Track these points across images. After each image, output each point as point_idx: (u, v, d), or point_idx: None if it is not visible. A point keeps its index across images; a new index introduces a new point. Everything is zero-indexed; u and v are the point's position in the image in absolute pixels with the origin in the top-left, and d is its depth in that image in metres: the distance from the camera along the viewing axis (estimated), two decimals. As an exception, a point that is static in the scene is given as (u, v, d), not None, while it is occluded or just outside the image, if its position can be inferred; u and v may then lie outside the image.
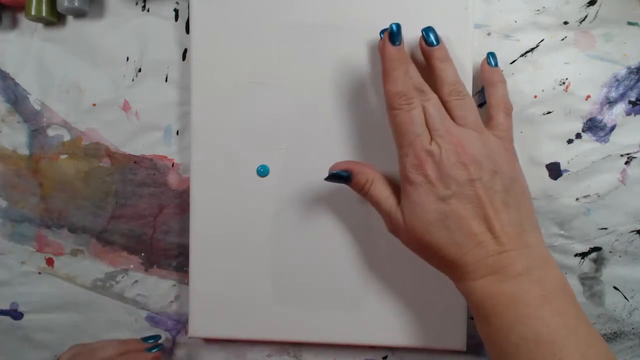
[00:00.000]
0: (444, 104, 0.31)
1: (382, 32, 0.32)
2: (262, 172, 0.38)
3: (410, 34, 0.36)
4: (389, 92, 0.31)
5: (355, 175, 0.33)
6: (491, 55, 0.35)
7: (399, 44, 0.31)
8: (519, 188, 0.31)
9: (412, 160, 0.30)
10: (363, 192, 0.33)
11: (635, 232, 0.37)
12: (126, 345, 0.38)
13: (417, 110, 0.31)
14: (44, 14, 0.39)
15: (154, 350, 0.39)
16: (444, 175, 0.29)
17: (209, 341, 0.41)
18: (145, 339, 0.40)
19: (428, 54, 0.33)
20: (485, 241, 0.29)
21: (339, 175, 0.33)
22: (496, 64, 0.35)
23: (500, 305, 0.28)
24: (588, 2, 0.37)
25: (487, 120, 0.33)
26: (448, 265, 0.30)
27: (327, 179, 0.33)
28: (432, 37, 0.32)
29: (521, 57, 0.38)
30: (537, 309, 0.27)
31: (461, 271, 0.30)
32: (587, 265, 0.38)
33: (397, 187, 0.32)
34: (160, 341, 0.40)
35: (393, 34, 0.31)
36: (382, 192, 0.32)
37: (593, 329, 0.28)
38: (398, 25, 0.31)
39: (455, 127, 0.30)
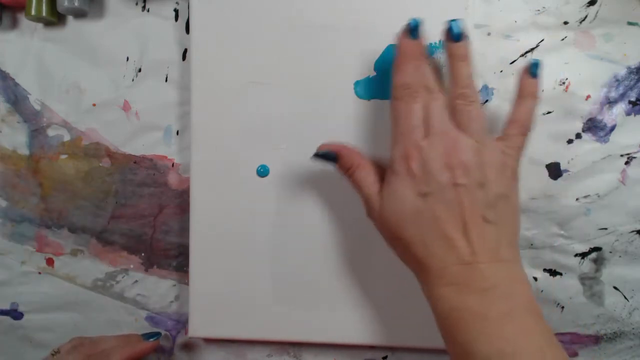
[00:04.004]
0: (452, 105, 0.31)
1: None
2: (262, 172, 0.38)
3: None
4: (395, 82, 0.31)
5: (341, 158, 0.33)
6: (535, 64, 0.32)
7: (416, 39, 0.31)
8: (505, 207, 0.29)
9: (400, 150, 0.30)
10: (347, 174, 0.33)
11: (635, 232, 0.38)
12: (131, 347, 0.39)
13: (419, 106, 0.30)
14: (44, 14, 0.39)
15: (151, 340, 0.39)
16: (427, 172, 0.29)
17: (209, 341, 0.41)
18: (147, 336, 0.40)
19: (448, 48, 0.31)
20: (459, 247, 0.28)
21: (325, 155, 0.33)
22: (536, 75, 0.32)
23: (464, 319, 0.27)
24: (588, 2, 0.37)
25: (502, 132, 0.32)
26: (415, 263, 0.30)
27: (314, 157, 0.33)
28: (456, 31, 0.30)
29: (521, 57, 0.38)
30: (501, 327, 0.27)
31: (427, 273, 0.29)
32: (587, 265, 0.38)
33: (383, 175, 0.32)
34: (159, 337, 0.40)
35: (411, 28, 0.31)
36: (366, 177, 0.32)
37: (560, 349, 0.27)
38: (418, 21, 0.31)
39: (454, 130, 0.30)
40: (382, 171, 0.32)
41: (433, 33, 0.36)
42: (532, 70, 0.32)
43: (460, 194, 0.28)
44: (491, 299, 0.27)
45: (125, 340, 0.38)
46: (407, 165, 0.29)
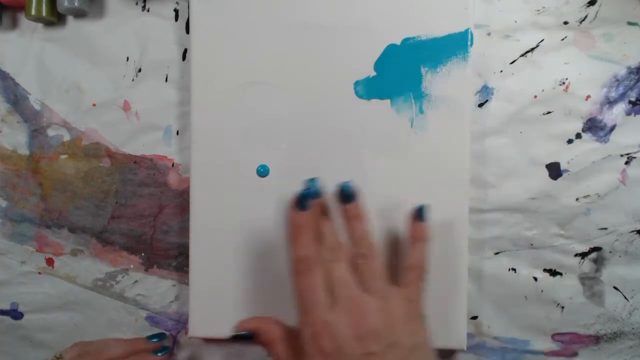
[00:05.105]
0: (353, 264, 0.31)
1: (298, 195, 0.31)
2: (262, 172, 0.38)
3: (410, 34, 0.36)
4: (292, 257, 0.31)
5: (259, 335, 0.33)
6: (421, 208, 0.33)
7: (305, 210, 0.31)
8: (419, 357, 0.30)
9: (309, 329, 0.30)
10: (267, 350, 0.33)
11: (635, 232, 0.38)
12: (132, 344, 0.38)
13: (318, 277, 0.30)
14: (44, 14, 0.39)
15: (159, 354, 0.39)
16: (338, 349, 0.29)
17: (209, 341, 0.41)
18: (150, 338, 0.40)
19: (341, 210, 0.32)
20: None
21: (243, 336, 0.33)
22: (424, 219, 0.33)
23: None
24: (588, 2, 0.37)
25: (400, 277, 0.32)
26: None
27: (233, 338, 0.33)
28: (347, 192, 0.32)
29: (521, 57, 0.38)
30: None
31: None
32: (587, 265, 0.38)
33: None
34: (164, 340, 0.40)
35: (300, 199, 0.31)
36: (282, 354, 0.32)
37: None
38: (306, 192, 0.31)
39: (359, 294, 0.30)
40: (298, 341, 0.32)
41: (433, 33, 0.36)
42: (420, 214, 0.33)
43: None
44: None
45: (131, 348, 0.38)
46: (318, 345, 0.29)
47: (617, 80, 0.37)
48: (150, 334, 0.41)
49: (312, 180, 0.32)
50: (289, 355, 0.32)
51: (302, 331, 0.30)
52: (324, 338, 0.29)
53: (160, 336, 0.40)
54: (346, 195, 0.32)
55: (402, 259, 0.33)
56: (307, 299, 0.30)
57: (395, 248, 0.37)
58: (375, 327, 0.29)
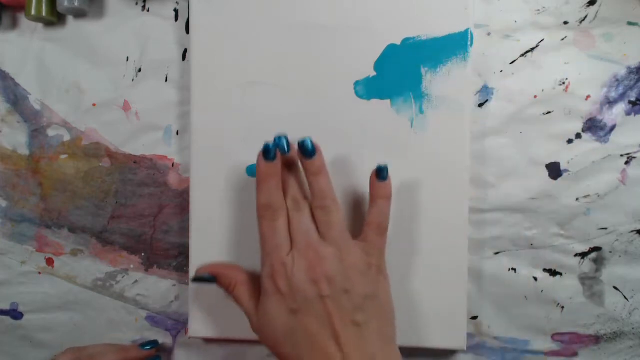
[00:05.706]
0: (313, 216, 0.32)
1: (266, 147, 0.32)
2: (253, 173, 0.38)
3: (410, 34, 0.36)
4: (257, 203, 0.32)
5: (219, 278, 0.34)
6: (381, 169, 0.33)
7: (272, 160, 0.32)
8: (374, 306, 0.31)
9: (267, 269, 0.31)
10: (228, 292, 0.34)
11: (635, 232, 0.38)
12: (126, 351, 0.38)
13: (281, 222, 0.32)
14: (44, 14, 0.39)
15: (147, 348, 0.39)
16: (293, 289, 0.30)
17: (209, 341, 0.41)
18: (143, 345, 0.40)
19: (303, 164, 0.33)
20: (331, 354, 0.29)
21: (203, 278, 0.34)
22: (384, 178, 0.33)
23: None
24: (588, 2, 0.37)
25: (361, 234, 0.33)
26: None
27: (193, 280, 0.34)
28: (308, 148, 0.32)
29: (521, 57, 0.38)
30: None
31: None
32: (587, 265, 0.38)
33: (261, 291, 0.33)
34: (158, 347, 0.40)
35: (267, 151, 0.32)
36: (244, 295, 0.33)
37: None
38: (273, 145, 0.32)
39: (318, 241, 0.31)
40: (259, 286, 0.33)
41: (433, 33, 0.36)
42: (381, 174, 0.33)
43: (327, 305, 0.30)
44: None
45: (124, 355, 0.38)
46: (275, 283, 0.31)
47: (617, 80, 0.37)
48: (150, 334, 0.41)
49: (279, 136, 0.33)
50: (251, 297, 0.33)
51: (262, 271, 0.32)
52: (280, 278, 0.31)
53: (153, 344, 0.40)
54: (306, 150, 0.32)
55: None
56: (268, 242, 0.32)
57: (395, 243, 0.37)
58: (329, 273, 0.30)
